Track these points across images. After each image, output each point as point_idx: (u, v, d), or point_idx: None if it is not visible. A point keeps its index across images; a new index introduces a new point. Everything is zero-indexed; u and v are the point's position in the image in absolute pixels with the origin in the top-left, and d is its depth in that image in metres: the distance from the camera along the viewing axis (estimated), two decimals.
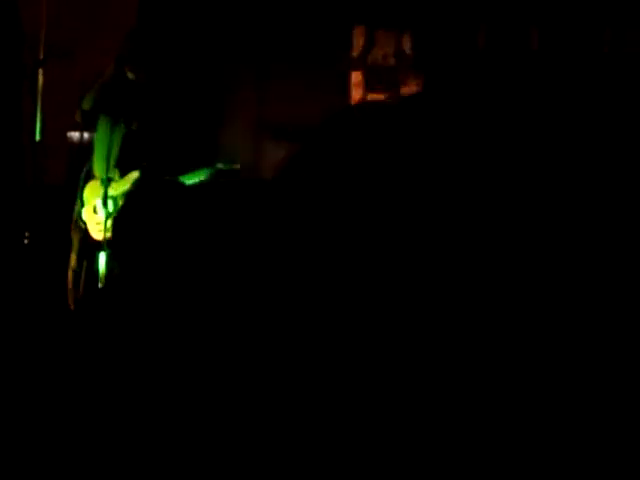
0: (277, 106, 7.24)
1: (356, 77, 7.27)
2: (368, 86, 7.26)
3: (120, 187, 5.49)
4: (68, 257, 5.76)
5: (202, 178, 5.47)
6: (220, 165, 5.52)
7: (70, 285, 5.58)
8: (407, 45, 7.10)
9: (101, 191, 5.52)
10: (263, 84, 7.20)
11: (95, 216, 5.56)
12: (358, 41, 7.23)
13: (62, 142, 6.28)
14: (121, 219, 5.40)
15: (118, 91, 5.46)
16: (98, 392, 2.49)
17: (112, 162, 5.49)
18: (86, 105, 5.49)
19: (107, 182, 5.46)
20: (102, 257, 5.61)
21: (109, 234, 5.41)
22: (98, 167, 5.56)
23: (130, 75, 5.47)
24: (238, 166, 5.59)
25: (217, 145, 6.02)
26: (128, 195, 5.41)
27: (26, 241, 5.97)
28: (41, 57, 6.51)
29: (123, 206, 5.40)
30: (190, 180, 5.44)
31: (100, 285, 5.57)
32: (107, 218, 5.44)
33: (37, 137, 6.29)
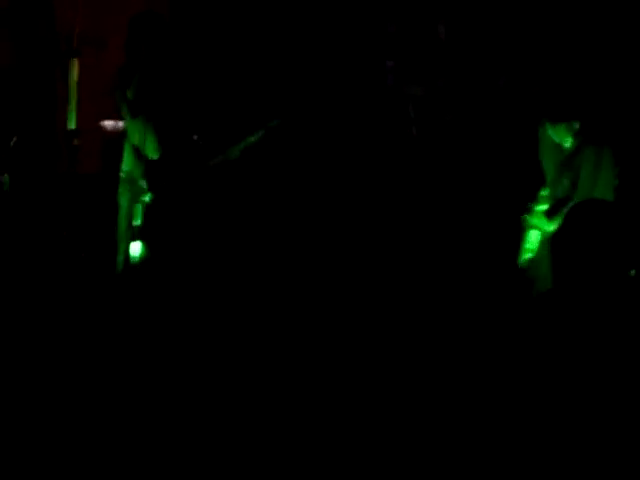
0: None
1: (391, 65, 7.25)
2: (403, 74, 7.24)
3: None
4: (102, 244, 5.80)
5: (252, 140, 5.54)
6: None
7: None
8: (442, 34, 7.06)
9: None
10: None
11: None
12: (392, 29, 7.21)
13: (96, 131, 6.27)
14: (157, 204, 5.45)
15: (155, 78, 5.50)
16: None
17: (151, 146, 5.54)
18: (130, 94, 5.50)
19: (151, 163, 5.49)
20: (137, 245, 5.64)
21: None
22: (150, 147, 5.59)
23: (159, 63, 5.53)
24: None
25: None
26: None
27: (65, 233, 5.99)
28: (75, 47, 6.52)
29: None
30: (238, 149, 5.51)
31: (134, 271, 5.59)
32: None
33: (71, 126, 6.30)
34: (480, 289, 5.69)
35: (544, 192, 5.26)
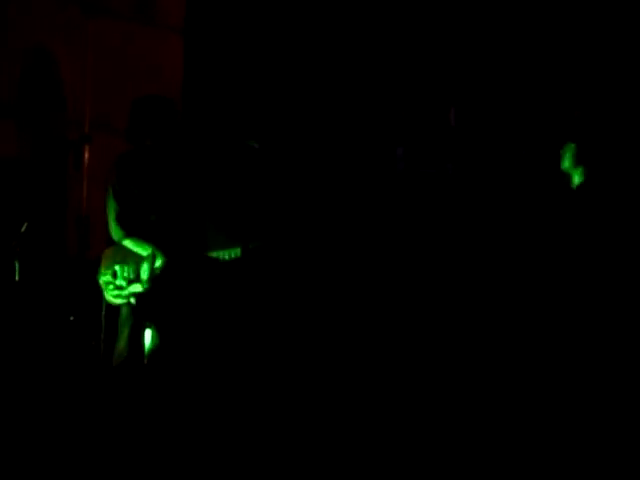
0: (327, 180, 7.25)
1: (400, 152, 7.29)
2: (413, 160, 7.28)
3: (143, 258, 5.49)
4: (109, 331, 5.73)
5: (236, 255, 5.46)
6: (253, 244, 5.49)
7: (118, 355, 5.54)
8: (452, 120, 7.11)
9: (121, 256, 5.53)
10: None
11: (113, 281, 5.54)
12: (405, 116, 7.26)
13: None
14: (156, 292, 5.40)
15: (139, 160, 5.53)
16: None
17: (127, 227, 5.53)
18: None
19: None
20: (148, 333, 5.57)
21: (132, 300, 5.42)
22: (114, 232, 5.59)
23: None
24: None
25: (250, 221, 5.97)
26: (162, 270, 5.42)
27: (72, 318, 5.93)
28: (86, 132, 6.55)
29: (157, 281, 5.42)
30: (223, 255, 5.43)
31: (145, 361, 5.52)
32: (128, 284, 5.45)
33: (82, 211, 6.29)
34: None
35: None
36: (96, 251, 6.35)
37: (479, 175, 7.01)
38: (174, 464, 3.93)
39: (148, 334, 5.56)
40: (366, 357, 5.93)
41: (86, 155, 6.48)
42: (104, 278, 5.54)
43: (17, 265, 5.73)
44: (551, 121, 6.81)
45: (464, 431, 3.49)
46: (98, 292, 6.03)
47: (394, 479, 3.16)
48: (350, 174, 7.14)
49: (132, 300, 5.41)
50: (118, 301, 5.53)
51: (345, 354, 5.88)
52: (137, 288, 5.42)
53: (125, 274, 5.45)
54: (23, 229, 5.73)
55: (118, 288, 5.48)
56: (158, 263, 5.45)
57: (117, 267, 5.49)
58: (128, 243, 5.58)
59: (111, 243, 5.86)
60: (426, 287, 6.63)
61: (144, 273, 5.42)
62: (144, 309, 5.43)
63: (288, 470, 3.47)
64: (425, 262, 6.77)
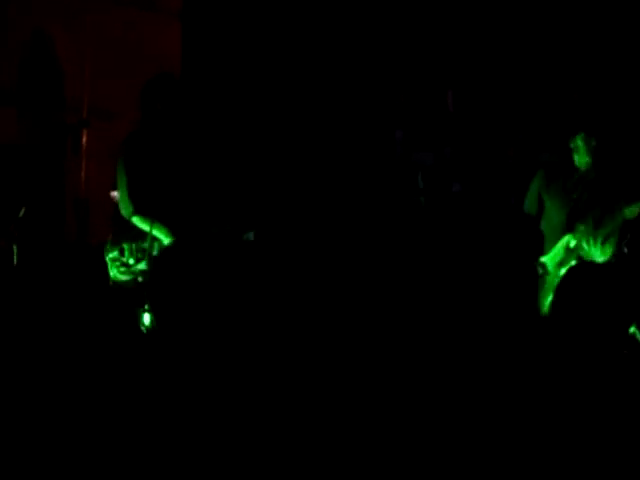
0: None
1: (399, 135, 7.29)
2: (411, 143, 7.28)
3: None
4: (109, 318, 5.74)
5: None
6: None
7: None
8: (449, 103, 7.11)
9: (129, 235, 5.54)
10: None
11: (121, 258, 5.55)
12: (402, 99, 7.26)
13: (105, 201, 6.26)
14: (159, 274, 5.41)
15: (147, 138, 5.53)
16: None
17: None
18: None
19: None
20: (147, 317, 5.58)
21: (139, 279, 5.44)
22: (124, 207, 5.57)
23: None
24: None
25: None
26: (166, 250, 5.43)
27: (72, 302, 5.94)
28: (84, 117, 6.56)
29: (160, 261, 5.43)
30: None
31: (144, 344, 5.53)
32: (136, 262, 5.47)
33: (80, 196, 6.31)
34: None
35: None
36: (95, 236, 6.38)
37: (477, 159, 7.00)
38: (171, 452, 3.93)
39: (147, 317, 5.58)
40: (362, 351, 5.94)
41: (84, 139, 6.49)
42: (111, 255, 5.56)
43: (15, 250, 5.74)
44: (550, 105, 6.80)
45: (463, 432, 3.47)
46: (97, 276, 6.06)
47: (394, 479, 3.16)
48: (349, 157, 7.14)
49: (140, 279, 5.43)
50: (124, 277, 5.55)
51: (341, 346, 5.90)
52: (145, 266, 5.45)
53: (133, 252, 5.47)
54: (21, 214, 5.74)
55: (125, 265, 5.50)
56: (167, 242, 5.46)
57: (125, 245, 5.51)
58: (137, 220, 5.58)
59: (117, 225, 5.87)
60: (425, 279, 6.63)
61: (155, 252, 5.46)
62: (144, 290, 5.46)
63: (286, 463, 3.47)
64: (424, 251, 6.77)
